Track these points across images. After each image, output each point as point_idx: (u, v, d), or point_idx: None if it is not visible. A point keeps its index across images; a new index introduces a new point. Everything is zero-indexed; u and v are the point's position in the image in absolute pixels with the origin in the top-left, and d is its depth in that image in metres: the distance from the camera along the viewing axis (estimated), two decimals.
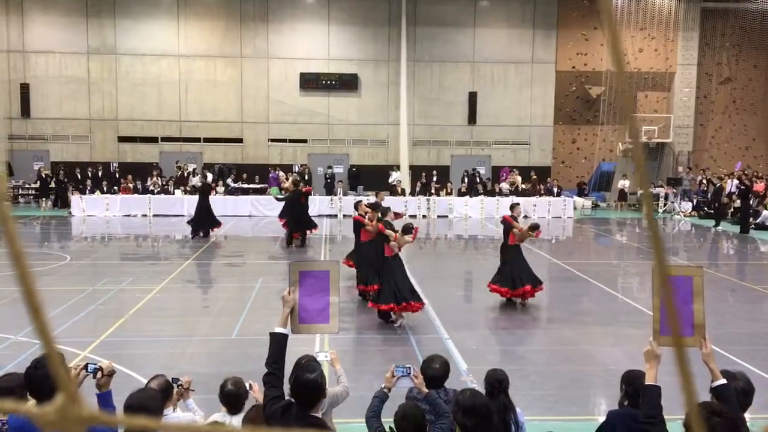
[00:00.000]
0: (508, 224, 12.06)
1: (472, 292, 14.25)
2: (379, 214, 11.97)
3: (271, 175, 28.42)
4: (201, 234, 20.12)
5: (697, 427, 0.82)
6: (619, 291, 13.88)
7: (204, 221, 20.39)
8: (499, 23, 31.00)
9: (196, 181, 26.31)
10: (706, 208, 27.30)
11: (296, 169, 29.58)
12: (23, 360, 8.20)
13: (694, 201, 28.49)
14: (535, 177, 28.50)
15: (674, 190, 29.23)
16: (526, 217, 26.65)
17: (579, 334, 10.40)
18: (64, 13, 29.32)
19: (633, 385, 4.14)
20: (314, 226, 19.43)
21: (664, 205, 28.97)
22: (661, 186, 29.71)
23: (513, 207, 12.45)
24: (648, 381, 3.59)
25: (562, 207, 27.08)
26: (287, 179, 21.78)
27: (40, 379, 3.54)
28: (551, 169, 31.73)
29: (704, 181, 28.63)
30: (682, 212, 28.09)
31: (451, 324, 10.78)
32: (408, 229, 10.47)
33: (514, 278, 11.70)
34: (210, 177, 26.15)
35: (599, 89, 31.25)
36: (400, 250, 10.65)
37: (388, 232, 10.50)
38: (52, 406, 0.69)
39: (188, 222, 20.67)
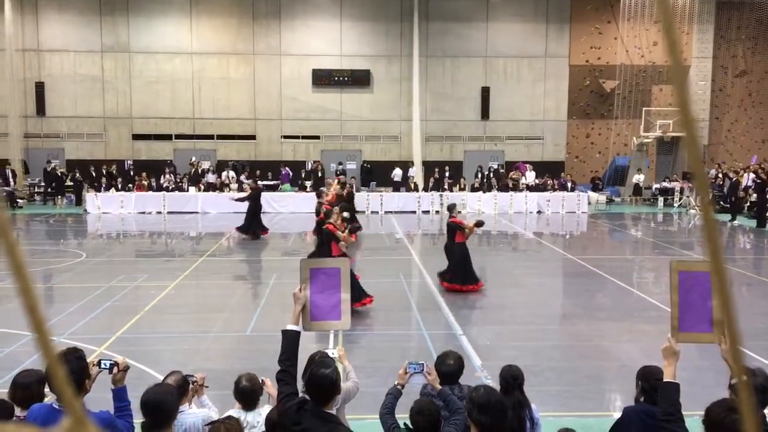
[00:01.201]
0: (457, 226, 12.72)
1: (486, 288, 14.21)
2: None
3: (283, 172, 28.49)
4: (250, 236, 19.15)
5: (743, 391, 0.79)
6: (635, 286, 13.79)
7: (254, 224, 19.46)
8: (511, 18, 30.86)
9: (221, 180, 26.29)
10: (722, 202, 27.04)
11: (309, 166, 29.63)
12: (39, 357, 8.27)
13: (710, 195, 28.20)
14: (514, 176, 28.23)
15: (690, 185, 28.99)
16: (539, 212, 26.58)
17: (594, 330, 10.34)
18: (78, 11, 29.50)
19: (649, 381, 4.10)
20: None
21: (680, 199, 28.74)
22: (677, 180, 29.48)
23: (453, 207, 13.16)
24: (666, 378, 3.56)
25: (576, 202, 26.95)
26: (332, 186, 20.01)
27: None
28: (565, 163, 31.58)
29: (719, 175, 28.37)
30: (698, 206, 27.84)
31: (464, 320, 10.77)
32: (355, 229, 10.93)
33: (466, 275, 12.59)
34: (230, 173, 25.98)
35: (613, 83, 31.04)
36: (346, 249, 11.15)
37: (339, 233, 11.01)
38: (58, 430, 0.67)
39: (238, 229, 19.50)
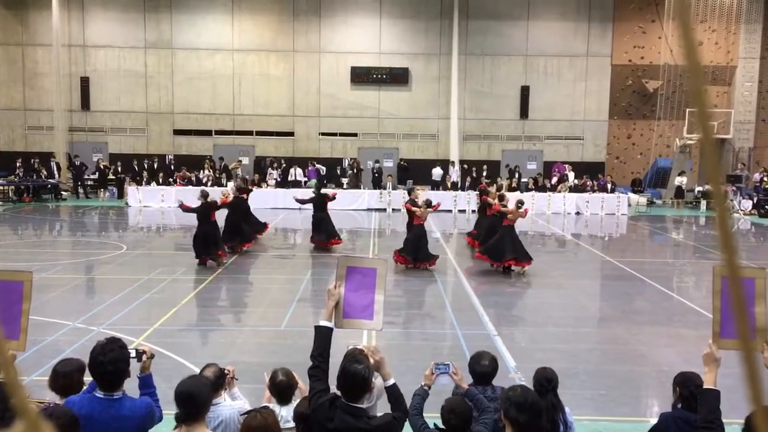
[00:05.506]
0: (409, 210, 14.40)
1: (521, 289, 14.09)
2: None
3: (309, 169, 28.51)
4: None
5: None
6: (675, 290, 13.52)
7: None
8: (553, 16, 30.51)
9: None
10: (767, 206, 26.37)
11: (346, 163, 29.70)
12: (79, 346, 8.46)
13: (755, 199, 27.54)
14: (563, 187, 27.65)
15: (734, 188, 28.32)
16: (578, 213, 26.24)
17: (632, 334, 10.18)
18: (122, 8, 30.09)
19: (688, 387, 4.02)
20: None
21: None
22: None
23: (411, 191, 14.87)
24: (707, 384, 3.49)
25: (615, 203, 26.54)
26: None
27: (106, 363, 3.63)
28: (605, 164, 31.12)
29: (765, 179, 27.64)
30: (742, 210, 27.20)
31: (499, 320, 10.69)
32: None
33: (417, 251, 14.14)
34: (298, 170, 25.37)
35: (656, 83, 30.47)
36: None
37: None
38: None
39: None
